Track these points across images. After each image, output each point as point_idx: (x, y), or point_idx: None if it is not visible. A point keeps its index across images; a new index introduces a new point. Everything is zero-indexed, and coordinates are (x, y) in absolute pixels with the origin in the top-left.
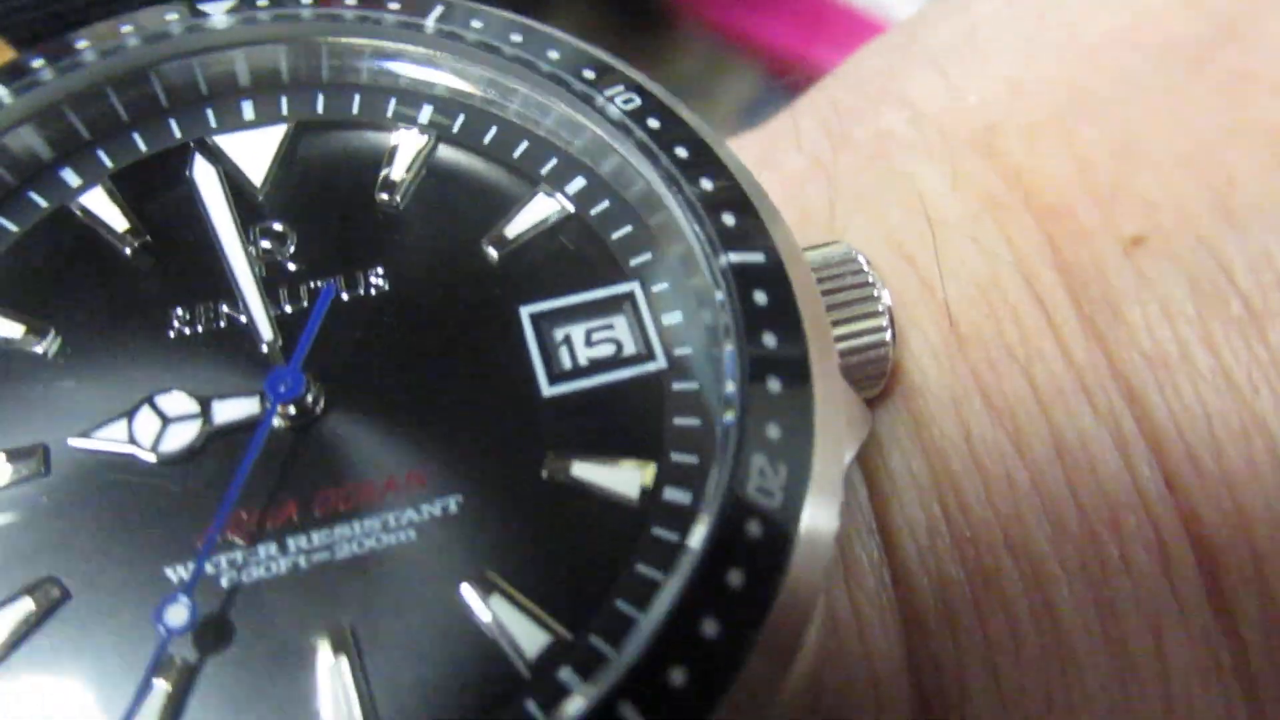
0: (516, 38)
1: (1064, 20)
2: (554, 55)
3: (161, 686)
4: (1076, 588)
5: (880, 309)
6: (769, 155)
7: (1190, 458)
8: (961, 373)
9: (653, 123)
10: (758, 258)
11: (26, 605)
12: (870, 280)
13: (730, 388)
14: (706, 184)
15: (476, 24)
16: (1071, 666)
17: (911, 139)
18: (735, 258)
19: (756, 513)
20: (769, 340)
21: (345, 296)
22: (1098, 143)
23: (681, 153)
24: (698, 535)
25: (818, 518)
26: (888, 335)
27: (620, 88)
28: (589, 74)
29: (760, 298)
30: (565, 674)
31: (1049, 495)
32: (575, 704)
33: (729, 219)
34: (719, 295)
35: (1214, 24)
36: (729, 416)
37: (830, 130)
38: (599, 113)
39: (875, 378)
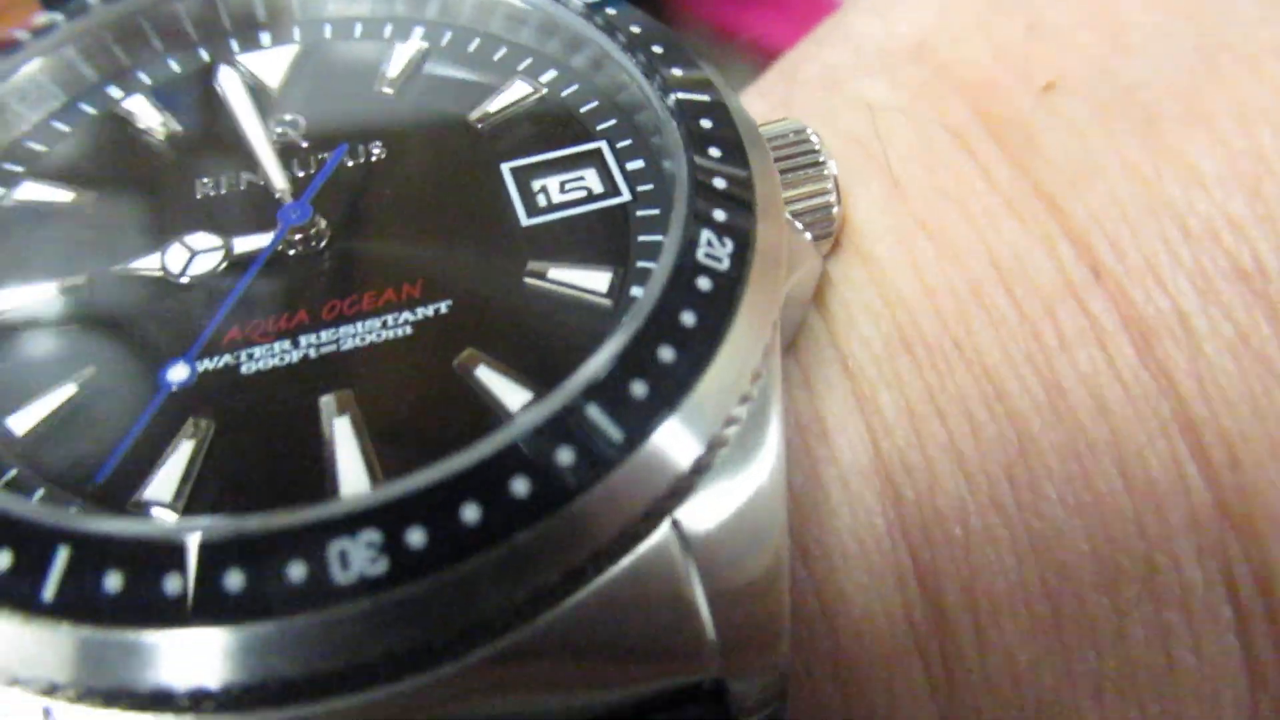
0: None
1: None
2: None
3: (186, 446)
4: (1023, 374)
5: (827, 174)
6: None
7: (1114, 249)
8: (903, 214)
9: (634, 28)
10: (704, 97)
11: (70, 389)
12: (817, 148)
13: (681, 183)
14: (676, 72)
15: None
16: (1031, 448)
17: (854, 64)
18: (684, 96)
19: (705, 270)
20: (714, 152)
21: (349, 163)
22: (1010, 27)
23: (657, 50)
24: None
25: (763, 277)
26: (833, 197)
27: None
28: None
29: (706, 123)
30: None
31: (988, 299)
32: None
33: (694, 95)
34: (671, 124)
35: None
36: (679, 200)
37: (782, 74)
38: (578, 15)
39: (824, 236)
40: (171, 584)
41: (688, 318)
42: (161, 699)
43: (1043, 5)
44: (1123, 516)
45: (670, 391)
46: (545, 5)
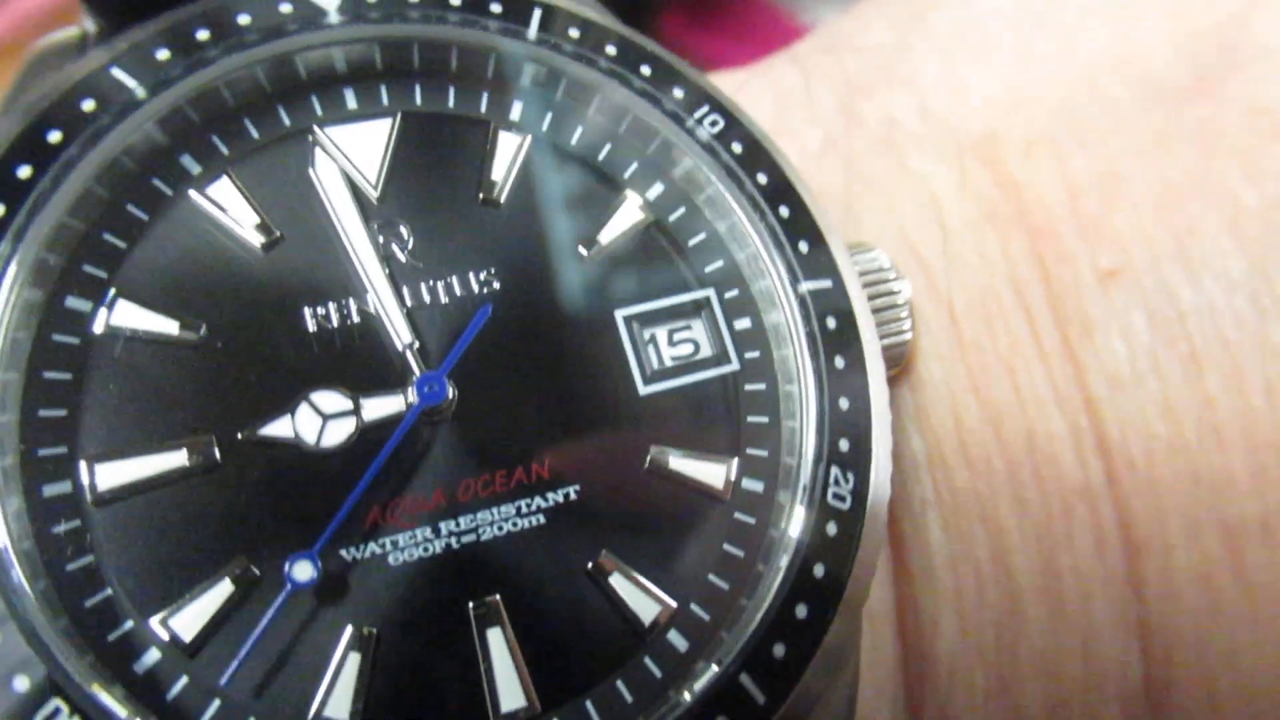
0: (611, 50)
1: (1063, 27)
2: (647, 71)
3: (354, 658)
4: (1030, 555)
5: (903, 301)
6: (784, 120)
7: (1129, 463)
8: (959, 372)
9: (736, 147)
10: (826, 284)
11: (227, 587)
12: (897, 290)
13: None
14: (784, 211)
15: (574, 33)
16: (1019, 615)
17: (921, 134)
18: (809, 286)
19: (833, 514)
20: (839, 361)
21: (459, 293)
22: (1085, 171)
23: (762, 179)
24: (794, 526)
25: (876, 516)
26: (909, 334)
27: (706, 108)
28: (678, 93)
29: (831, 322)
30: (674, 636)
31: (1018, 480)
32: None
33: (803, 247)
34: (798, 320)
35: (1194, 73)
36: (811, 434)
37: (843, 105)
38: (687, 133)
39: (894, 365)
40: None
41: (819, 570)
42: None
43: (1119, 156)
44: (1074, 685)
45: (804, 651)
46: (667, 130)
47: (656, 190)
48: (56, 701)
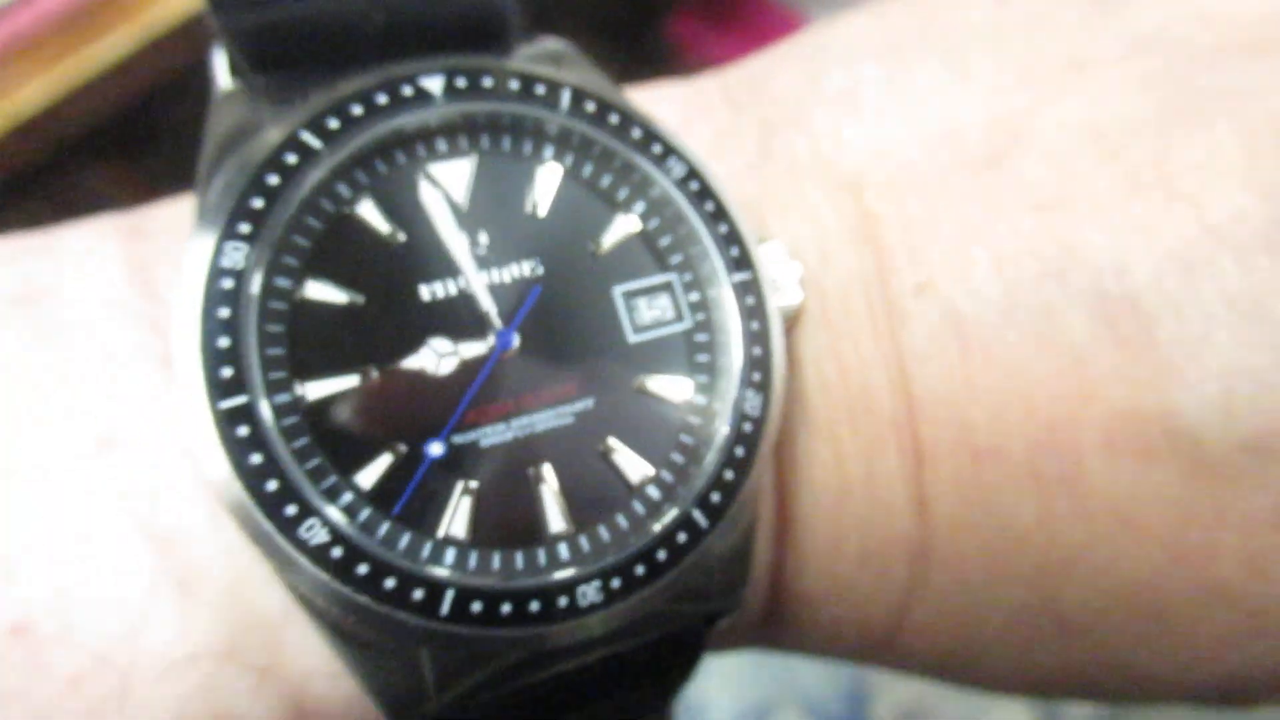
0: (614, 119)
1: (914, 101)
2: (638, 133)
3: (467, 501)
4: (858, 458)
5: (796, 279)
6: (720, 149)
7: (920, 406)
8: (822, 338)
9: (694, 185)
10: (748, 276)
11: (388, 458)
12: (790, 267)
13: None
14: (723, 229)
15: (590, 106)
16: (846, 494)
17: (811, 170)
18: (738, 277)
19: (748, 419)
20: (754, 325)
21: (518, 276)
22: (915, 211)
23: (709, 206)
24: (723, 425)
25: (771, 426)
26: (800, 298)
27: (674, 157)
28: (656, 148)
29: (749, 300)
30: (650, 489)
31: (854, 412)
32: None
33: (734, 251)
34: (728, 295)
35: (990, 149)
36: (736, 369)
37: (760, 142)
38: (663, 171)
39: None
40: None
41: (739, 451)
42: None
43: (936, 199)
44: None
45: (732, 494)
46: (648, 169)
47: (640, 208)
48: (310, 518)
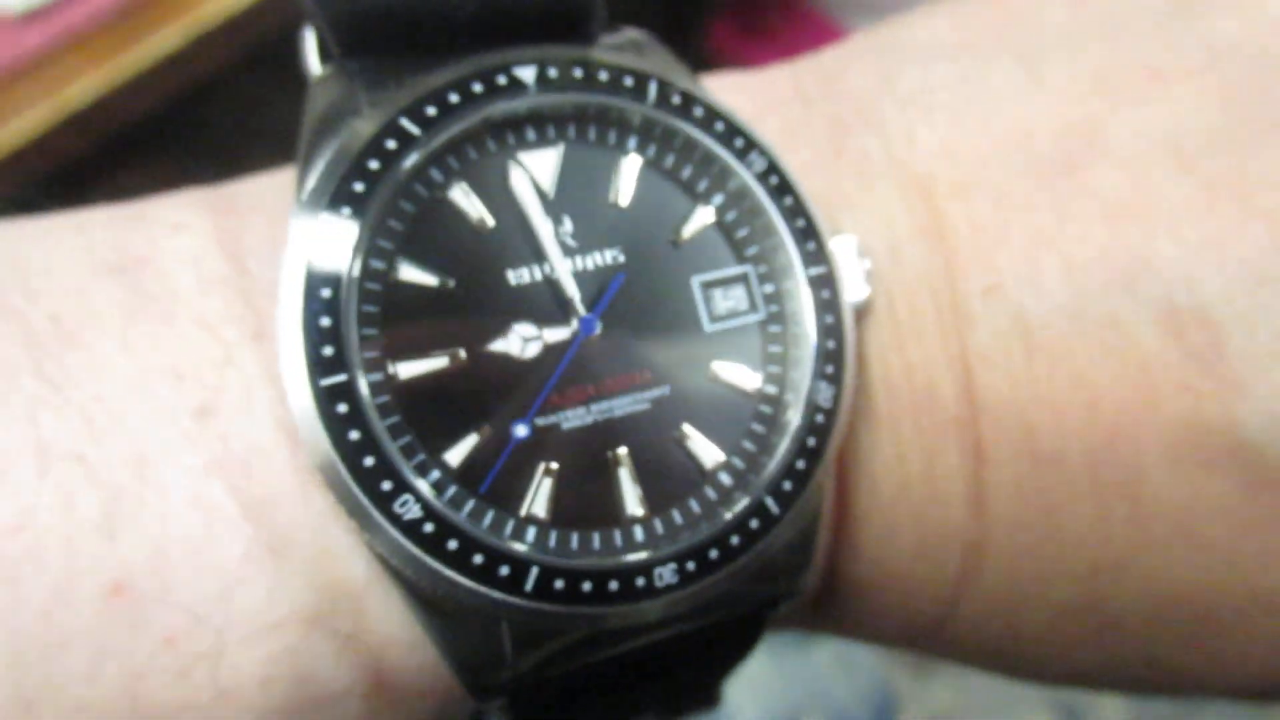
0: (699, 111)
1: (985, 103)
2: (720, 126)
3: (548, 482)
4: (918, 458)
5: (867, 272)
6: (792, 143)
7: (985, 409)
8: (886, 335)
9: (774, 179)
10: (824, 270)
11: (475, 438)
12: (862, 262)
13: (809, 335)
14: (800, 223)
15: (675, 99)
16: (905, 487)
17: (883, 168)
18: (814, 271)
19: (820, 410)
20: (828, 319)
21: (602, 264)
22: (985, 213)
23: (789, 201)
24: (796, 416)
25: (843, 417)
26: (868, 293)
27: (756, 151)
28: (739, 141)
29: (825, 294)
30: (723, 476)
31: (918, 409)
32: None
33: (810, 246)
34: (804, 289)
35: (1064, 156)
36: (809, 361)
37: (831, 139)
38: (745, 165)
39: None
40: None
41: (810, 441)
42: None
43: (1005, 203)
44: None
45: (804, 481)
46: (728, 161)
47: (719, 199)
48: (404, 494)
